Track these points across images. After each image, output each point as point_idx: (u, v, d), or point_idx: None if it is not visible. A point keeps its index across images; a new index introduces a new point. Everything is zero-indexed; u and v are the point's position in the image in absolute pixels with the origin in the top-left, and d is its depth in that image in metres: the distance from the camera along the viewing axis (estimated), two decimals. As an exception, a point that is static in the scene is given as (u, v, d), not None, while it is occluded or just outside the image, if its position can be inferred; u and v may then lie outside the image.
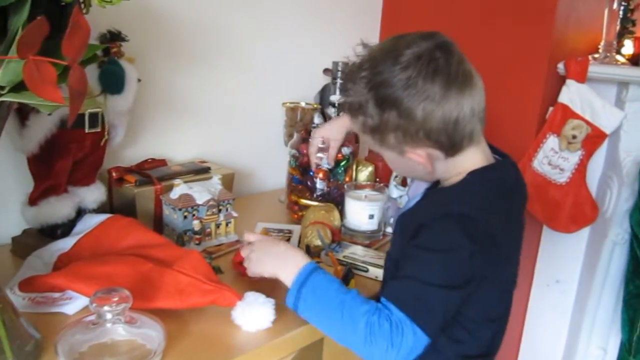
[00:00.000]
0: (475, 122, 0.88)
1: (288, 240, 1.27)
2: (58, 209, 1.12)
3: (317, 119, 1.48)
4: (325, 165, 1.40)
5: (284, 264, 0.93)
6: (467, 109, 0.86)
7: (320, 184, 1.42)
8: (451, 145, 0.88)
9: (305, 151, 1.41)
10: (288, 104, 1.63)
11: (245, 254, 1.00)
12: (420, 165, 0.92)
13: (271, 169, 1.74)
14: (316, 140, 1.37)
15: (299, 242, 1.26)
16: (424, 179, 1.00)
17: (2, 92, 0.56)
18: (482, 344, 0.95)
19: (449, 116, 0.85)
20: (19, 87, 0.57)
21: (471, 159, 0.92)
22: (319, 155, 1.38)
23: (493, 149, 0.98)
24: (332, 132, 1.37)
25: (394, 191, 1.47)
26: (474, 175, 0.91)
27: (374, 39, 2.01)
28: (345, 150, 1.43)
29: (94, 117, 1.11)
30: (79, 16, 0.52)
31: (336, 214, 1.35)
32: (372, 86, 0.86)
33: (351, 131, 1.38)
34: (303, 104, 1.65)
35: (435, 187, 1.01)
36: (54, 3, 0.64)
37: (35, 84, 0.51)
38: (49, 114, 0.97)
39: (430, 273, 0.83)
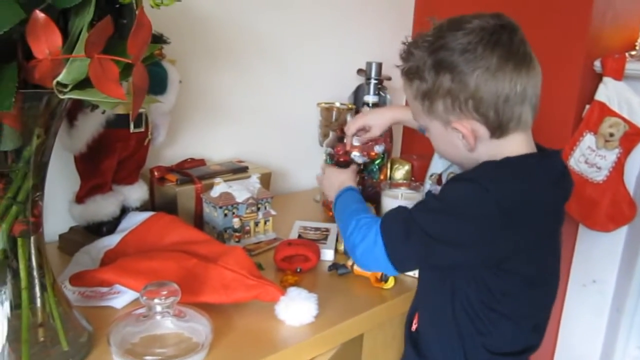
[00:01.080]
0: (527, 106, 0.86)
1: (325, 238, 1.29)
2: (104, 206, 1.15)
3: (349, 119, 1.49)
4: (363, 159, 1.40)
5: (339, 185, 1.14)
6: (520, 89, 0.84)
7: (358, 158, 1.42)
8: (498, 124, 0.86)
9: (340, 151, 1.42)
10: (323, 104, 1.65)
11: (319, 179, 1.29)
12: (462, 142, 0.89)
13: (306, 169, 1.76)
14: (358, 123, 1.34)
15: (337, 239, 1.27)
16: (463, 162, 0.96)
17: (65, 90, 0.59)
18: (506, 341, 0.92)
19: (501, 91, 0.84)
20: (80, 85, 0.60)
21: (515, 145, 0.89)
22: (355, 154, 1.39)
23: (540, 148, 0.95)
24: (376, 122, 1.34)
25: (430, 189, 1.48)
26: (510, 158, 0.88)
27: (406, 39, 2.03)
28: (379, 149, 1.43)
29: (138, 117, 1.14)
30: (143, 16, 0.54)
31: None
32: (432, 50, 0.86)
33: (394, 123, 1.37)
34: (338, 104, 1.66)
35: None
36: (111, 4, 0.66)
37: (100, 81, 0.53)
38: (103, 112, 1.00)
39: (424, 218, 0.85)
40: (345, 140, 1.39)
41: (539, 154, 0.92)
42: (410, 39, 0.92)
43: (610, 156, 1.67)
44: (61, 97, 0.57)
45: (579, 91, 1.67)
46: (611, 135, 1.64)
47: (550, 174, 0.90)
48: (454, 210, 0.84)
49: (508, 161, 0.87)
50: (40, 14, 0.54)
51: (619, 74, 1.62)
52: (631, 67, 1.63)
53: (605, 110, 1.64)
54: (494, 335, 0.90)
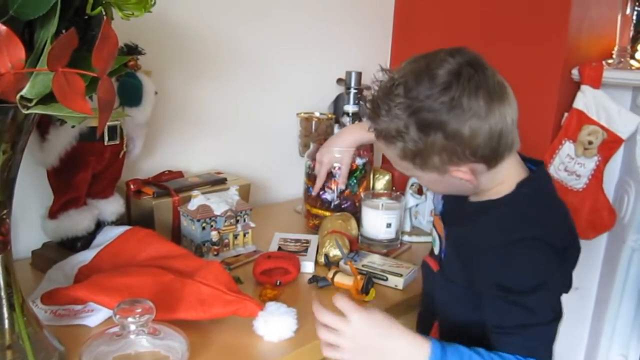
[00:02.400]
0: (515, 130, 0.87)
1: (305, 250, 1.27)
2: (78, 221, 1.12)
3: (337, 130, 1.49)
4: (332, 196, 1.41)
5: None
6: (509, 119, 0.84)
7: (329, 195, 1.42)
8: (494, 157, 0.86)
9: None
10: (302, 114, 1.64)
11: (329, 335, 0.83)
12: (465, 182, 0.89)
13: (286, 180, 1.74)
14: (325, 167, 1.36)
15: (317, 251, 1.26)
16: (465, 193, 0.96)
17: (30, 105, 0.57)
18: None
19: (495, 129, 0.83)
20: (46, 99, 0.58)
21: (510, 165, 0.90)
22: (327, 192, 1.40)
23: (523, 157, 0.97)
24: (339, 158, 1.35)
25: (410, 200, 1.47)
26: (524, 187, 0.90)
27: (386, 48, 2.03)
28: (359, 161, 1.42)
29: (112, 130, 1.12)
30: (108, 28, 0.52)
31: (353, 223, 1.35)
32: (412, 111, 0.82)
33: (363, 145, 1.37)
34: (317, 114, 1.65)
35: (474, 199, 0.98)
36: (79, 16, 0.64)
37: (65, 95, 0.51)
38: (73, 127, 0.98)
39: (542, 312, 0.83)
40: (316, 184, 1.40)
41: (539, 173, 0.94)
42: (370, 95, 0.89)
43: (589, 164, 1.68)
44: (25, 112, 0.55)
45: (557, 99, 1.68)
46: (590, 143, 1.65)
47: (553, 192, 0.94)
48: (542, 285, 0.83)
49: (531, 199, 0.88)
50: (1, 27, 0.52)
51: (596, 82, 1.64)
52: (608, 75, 1.64)
53: (583, 119, 1.65)
54: None
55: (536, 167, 0.95)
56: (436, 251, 1.04)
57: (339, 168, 1.36)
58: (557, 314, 0.85)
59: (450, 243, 0.97)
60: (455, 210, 1.01)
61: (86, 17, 0.66)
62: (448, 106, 0.80)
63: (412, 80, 0.83)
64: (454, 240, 0.97)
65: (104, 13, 0.69)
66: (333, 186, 1.40)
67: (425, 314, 1.10)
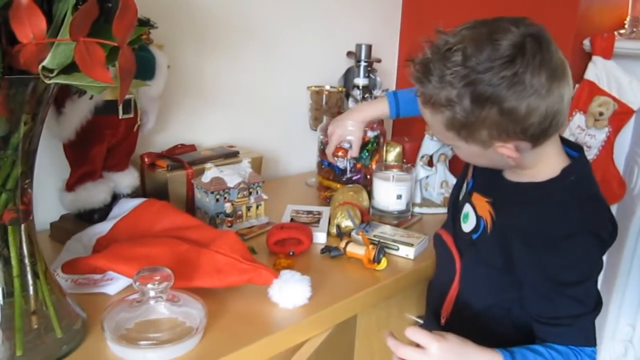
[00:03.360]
0: (566, 110, 0.84)
1: (317, 221, 1.29)
2: (94, 194, 1.15)
3: (351, 104, 1.49)
4: (344, 164, 1.41)
5: None
6: (566, 99, 0.82)
7: (341, 163, 1.42)
8: (542, 136, 0.84)
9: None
10: (313, 88, 1.64)
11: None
12: (507, 158, 0.87)
13: (297, 153, 1.76)
14: (334, 141, 1.33)
15: (329, 222, 1.27)
16: (503, 167, 0.95)
17: (52, 75, 0.58)
18: None
19: (551, 109, 0.80)
20: (66, 70, 0.59)
21: (554, 146, 0.89)
22: (338, 160, 1.39)
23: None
24: (351, 131, 1.32)
25: (421, 171, 1.48)
26: (570, 174, 0.89)
27: (396, 20, 2.02)
28: (371, 134, 1.43)
29: (127, 103, 1.13)
30: (128, -3, 0.53)
31: (364, 194, 1.36)
32: (468, 82, 0.79)
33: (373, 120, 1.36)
34: (328, 87, 1.66)
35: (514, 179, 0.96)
36: (96, -13, 0.65)
37: (87, 65, 0.53)
38: (91, 98, 0.99)
39: (589, 302, 0.86)
40: (329, 158, 1.38)
41: (582, 159, 0.92)
42: (421, 56, 0.84)
43: (600, 135, 1.68)
44: (47, 82, 0.57)
45: (568, 70, 1.67)
46: (600, 114, 1.65)
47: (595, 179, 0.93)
48: (590, 276, 0.86)
49: (578, 188, 0.88)
50: (23, -2, 0.53)
51: (608, 53, 1.63)
52: (620, 45, 1.63)
53: (594, 90, 1.64)
54: None
55: (577, 153, 0.93)
56: (466, 228, 1.02)
57: (349, 142, 1.36)
58: (599, 298, 0.87)
59: (494, 225, 0.95)
60: (496, 188, 0.98)
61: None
62: (509, 82, 0.77)
63: (471, 48, 0.79)
64: (498, 222, 0.95)
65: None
66: (345, 154, 1.39)
67: (438, 285, 1.09)
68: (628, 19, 1.70)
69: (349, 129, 1.33)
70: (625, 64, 1.65)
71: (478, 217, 0.99)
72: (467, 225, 1.01)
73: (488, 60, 0.77)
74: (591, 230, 0.84)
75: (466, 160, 0.97)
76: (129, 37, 0.55)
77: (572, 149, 0.94)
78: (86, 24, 0.53)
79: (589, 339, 0.86)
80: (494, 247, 0.94)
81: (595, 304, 0.87)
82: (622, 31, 1.70)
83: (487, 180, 1.00)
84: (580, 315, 0.85)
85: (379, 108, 1.32)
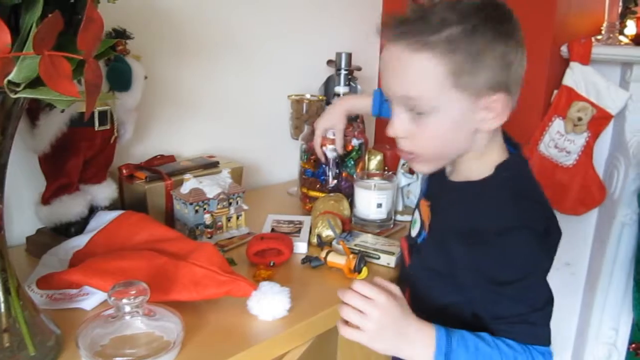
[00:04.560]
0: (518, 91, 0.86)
1: (299, 231, 1.28)
2: (71, 207, 1.13)
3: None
4: (334, 154, 1.40)
5: (411, 345, 0.83)
6: (522, 72, 0.85)
7: (330, 153, 1.40)
8: (512, 107, 0.85)
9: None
10: (293, 97, 1.64)
11: (355, 317, 0.83)
12: (481, 121, 0.84)
13: (279, 162, 1.75)
14: (319, 132, 1.34)
15: (310, 232, 1.27)
16: (451, 154, 0.90)
17: (18, 89, 0.57)
18: None
19: (522, 69, 0.85)
20: (33, 83, 0.58)
21: (496, 138, 0.89)
22: (328, 147, 1.38)
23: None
24: (332, 121, 1.33)
25: (402, 179, 1.48)
26: (503, 170, 0.87)
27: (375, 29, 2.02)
28: (355, 142, 1.43)
29: (103, 115, 1.12)
30: (93, 10, 0.53)
31: (345, 203, 1.36)
32: (489, 13, 0.80)
33: (348, 114, 1.34)
34: (308, 96, 1.65)
35: (454, 179, 0.94)
36: (65, 0, 0.64)
37: (52, 79, 0.52)
38: (62, 111, 0.98)
39: (532, 301, 0.83)
40: (318, 155, 1.39)
41: (516, 157, 0.91)
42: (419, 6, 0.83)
43: (579, 140, 1.69)
44: (13, 96, 0.55)
45: (546, 77, 1.68)
46: (579, 119, 1.66)
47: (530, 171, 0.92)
48: (529, 274, 0.83)
49: (510, 185, 0.86)
50: (-14, 11, 0.52)
51: (585, 59, 1.64)
52: (597, 51, 1.65)
53: (573, 95, 1.66)
54: None
55: (514, 150, 0.92)
56: (413, 233, 1.03)
57: (334, 134, 1.36)
58: (549, 297, 0.85)
59: (431, 228, 0.95)
60: (437, 191, 0.98)
61: (72, 0, 0.66)
62: (512, 28, 0.82)
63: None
64: (434, 225, 0.95)
65: (89, -3, 0.69)
66: (332, 142, 1.38)
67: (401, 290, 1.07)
68: (605, 24, 1.72)
69: (330, 119, 1.33)
70: (602, 70, 1.67)
71: (422, 222, 0.99)
72: (414, 231, 1.03)
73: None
74: (526, 225, 0.81)
75: (435, 137, 0.87)
76: (95, 50, 0.54)
77: (512, 146, 0.93)
78: (51, 37, 0.52)
79: (538, 338, 0.83)
80: (434, 249, 0.93)
81: (544, 303, 0.83)
82: (599, 37, 1.72)
83: (433, 185, 1.00)
84: (524, 314, 0.82)
85: (363, 102, 1.33)
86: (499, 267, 0.83)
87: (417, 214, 1.04)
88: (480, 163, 0.88)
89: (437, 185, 0.98)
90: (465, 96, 0.81)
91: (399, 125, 0.88)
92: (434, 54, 0.79)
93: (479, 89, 0.81)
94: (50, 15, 0.52)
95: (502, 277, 0.83)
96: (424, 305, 0.95)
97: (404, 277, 1.05)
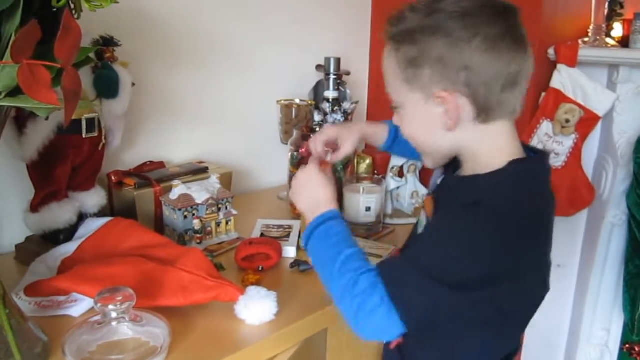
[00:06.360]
0: (517, 92, 0.81)
1: (288, 235, 1.28)
2: (59, 214, 1.13)
3: (317, 117, 1.50)
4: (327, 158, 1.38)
5: (313, 207, 0.93)
6: (516, 69, 0.78)
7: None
8: (486, 105, 0.79)
9: (305, 152, 1.41)
10: (282, 102, 1.65)
11: (297, 174, 1.00)
12: (441, 120, 0.82)
13: (268, 167, 1.75)
14: (325, 134, 1.16)
15: (299, 235, 1.27)
16: (432, 151, 0.90)
17: (-1, 98, 0.57)
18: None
19: (497, 65, 0.77)
20: (14, 92, 0.59)
21: (500, 135, 0.83)
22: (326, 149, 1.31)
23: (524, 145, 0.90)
24: (345, 134, 1.16)
25: (391, 182, 1.49)
26: (517, 164, 0.82)
27: (365, 33, 2.04)
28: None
29: (90, 122, 1.12)
30: (70, 18, 0.53)
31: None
32: (428, 12, 0.79)
33: (361, 138, 1.24)
34: (297, 101, 1.66)
35: (459, 175, 0.90)
36: (47, 9, 0.65)
37: (31, 87, 0.52)
38: (46, 119, 0.99)
39: (433, 263, 0.77)
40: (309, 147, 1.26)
41: (540, 158, 0.88)
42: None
43: (567, 142, 1.70)
44: (-7, 105, 0.56)
45: (534, 79, 1.65)
46: (567, 121, 1.67)
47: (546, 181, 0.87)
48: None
49: (524, 179, 0.82)
50: (-35, 21, 0.53)
51: (572, 61, 1.65)
52: (584, 53, 1.66)
53: (560, 97, 1.67)
54: None
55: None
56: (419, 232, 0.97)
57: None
58: (455, 281, 0.76)
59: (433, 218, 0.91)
60: (445, 187, 0.94)
61: (54, 9, 0.67)
62: (464, 12, 0.78)
63: None
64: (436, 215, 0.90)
65: (72, 6, 0.69)
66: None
67: None
68: (591, 27, 1.73)
69: (342, 132, 1.20)
70: (589, 72, 1.68)
71: (427, 218, 0.94)
72: (421, 229, 0.97)
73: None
74: (507, 207, 0.78)
75: (407, 131, 0.90)
76: (73, 58, 0.55)
77: (534, 152, 0.89)
78: (29, 45, 0.52)
79: (387, 277, 0.78)
80: None
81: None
82: (585, 39, 1.73)
83: (443, 182, 0.96)
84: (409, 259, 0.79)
85: (379, 130, 1.21)
86: (440, 219, 0.83)
87: (422, 214, 0.98)
88: (489, 158, 0.83)
89: (446, 182, 0.94)
90: (416, 93, 0.82)
91: (394, 121, 0.92)
92: (390, 49, 0.84)
93: (424, 84, 0.81)
94: (27, 24, 0.52)
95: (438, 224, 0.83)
96: None
97: None
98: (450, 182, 0.92)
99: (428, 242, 0.83)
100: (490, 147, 0.84)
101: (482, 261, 0.77)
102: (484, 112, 0.80)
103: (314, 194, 0.95)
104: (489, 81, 0.78)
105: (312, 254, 0.90)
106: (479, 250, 0.76)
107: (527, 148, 0.89)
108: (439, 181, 0.97)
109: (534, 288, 0.88)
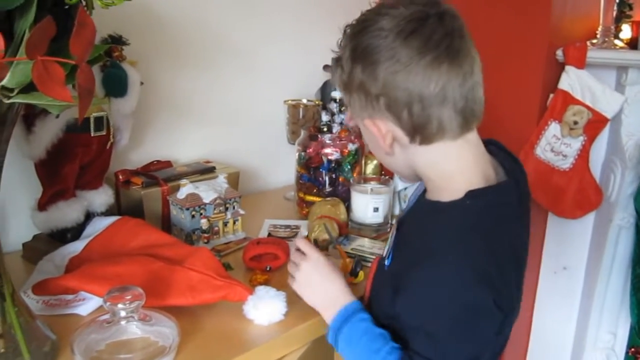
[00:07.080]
0: (448, 110, 0.76)
1: (295, 235, 1.28)
2: (67, 213, 1.13)
3: (324, 117, 1.49)
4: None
5: (328, 303, 0.90)
6: (436, 88, 0.74)
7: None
8: (413, 128, 0.77)
9: (312, 152, 1.41)
10: (290, 102, 1.64)
11: (292, 268, 0.94)
12: (379, 142, 0.81)
13: (275, 167, 1.75)
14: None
15: (307, 236, 1.27)
16: (392, 167, 0.90)
17: (11, 95, 0.57)
18: None
19: (413, 88, 0.74)
20: (27, 89, 0.58)
21: (459, 159, 0.80)
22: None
23: (499, 147, 0.89)
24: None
25: (399, 183, 1.48)
26: (473, 198, 0.78)
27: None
28: (351, 147, 1.43)
29: (99, 121, 1.12)
30: (84, 14, 0.53)
31: (342, 207, 1.36)
32: (352, 35, 0.79)
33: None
34: (305, 101, 1.66)
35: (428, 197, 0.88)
36: (59, 6, 0.65)
37: (45, 84, 0.52)
38: (57, 116, 0.98)
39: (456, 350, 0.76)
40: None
41: (503, 185, 0.82)
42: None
43: (575, 144, 1.70)
44: (6, 101, 0.56)
45: (542, 81, 1.69)
46: (575, 123, 1.66)
47: (511, 205, 0.82)
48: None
49: (479, 218, 0.78)
50: (-21, 17, 0.52)
51: (580, 63, 1.65)
52: (593, 55, 1.65)
53: (568, 99, 1.66)
54: None
55: (507, 176, 0.84)
56: (384, 252, 0.95)
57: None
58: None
59: (399, 231, 0.91)
60: (411, 209, 0.94)
61: (66, 6, 0.67)
62: (377, 35, 0.75)
63: (377, 8, 0.79)
64: (401, 229, 0.91)
65: (83, 2, 0.69)
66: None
67: None
68: (600, 28, 1.72)
69: None
70: (598, 73, 1.67)
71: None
72: (386, 249, 0.96)
73: (379, 15, 0.77)
74: (458, 257, 0.75)
75: (370, 148, 0.90)
76: (87, 55, 0.55)
77: (510, 167, 0.86)
78: (43, 42, 0.52)
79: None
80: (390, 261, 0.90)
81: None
82: (594, 41, 1.72)
83: (414, 203, 0.95)
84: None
85: None
86: (421, 294, 0.77)
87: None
88: (444, 182, 0.82)
89: (418, 201, 0.93)
90: (355, 114, 0.84)
91: None
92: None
93: (356, 110, 0.82)
94: (42, 20, 0.52)
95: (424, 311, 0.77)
96: (377, 308, 0.92)
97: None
98: (418, 204, 0.92)
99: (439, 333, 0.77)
100: (441, 171, 0.82)
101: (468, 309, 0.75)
102: (417, 135, 0.79)
103: (324, 288, 0.91)
104: (409, 104, 0.76)
105: (345, 355, 0.87)
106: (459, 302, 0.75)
107: (501, 162, 0.86)
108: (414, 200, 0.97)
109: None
